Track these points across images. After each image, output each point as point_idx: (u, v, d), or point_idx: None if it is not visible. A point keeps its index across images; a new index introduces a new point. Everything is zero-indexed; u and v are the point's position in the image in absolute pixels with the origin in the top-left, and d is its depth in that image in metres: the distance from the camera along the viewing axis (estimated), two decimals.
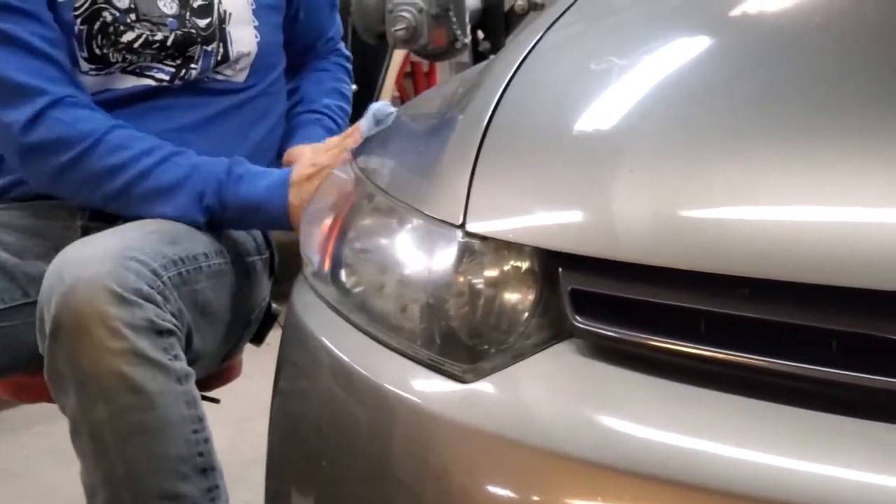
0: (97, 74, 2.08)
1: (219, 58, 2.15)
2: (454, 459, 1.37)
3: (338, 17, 2.57)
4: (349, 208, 1.68)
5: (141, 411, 1.76)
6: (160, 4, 2.11)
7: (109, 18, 2.07)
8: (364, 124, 2.07)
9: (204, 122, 2.14)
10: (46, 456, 3.44)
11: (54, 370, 1.77)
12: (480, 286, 1.46)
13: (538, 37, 1.78)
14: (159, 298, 1.77)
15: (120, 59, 2.09)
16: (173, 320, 1.78)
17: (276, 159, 2.30)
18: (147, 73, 2.10)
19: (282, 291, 1.93)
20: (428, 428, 1.41)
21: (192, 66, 2.12)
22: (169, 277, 1.82)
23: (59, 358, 1.75)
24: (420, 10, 3.94)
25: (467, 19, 4.04)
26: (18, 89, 1.98)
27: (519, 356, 1.40)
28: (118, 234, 1.88)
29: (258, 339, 2.25)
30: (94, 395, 1.75)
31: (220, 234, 2.04)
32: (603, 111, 1.57)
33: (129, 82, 2.10)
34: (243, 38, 2.18)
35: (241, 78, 2.21)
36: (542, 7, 4.10)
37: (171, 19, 2.11)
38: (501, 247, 1.45)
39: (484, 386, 1.39)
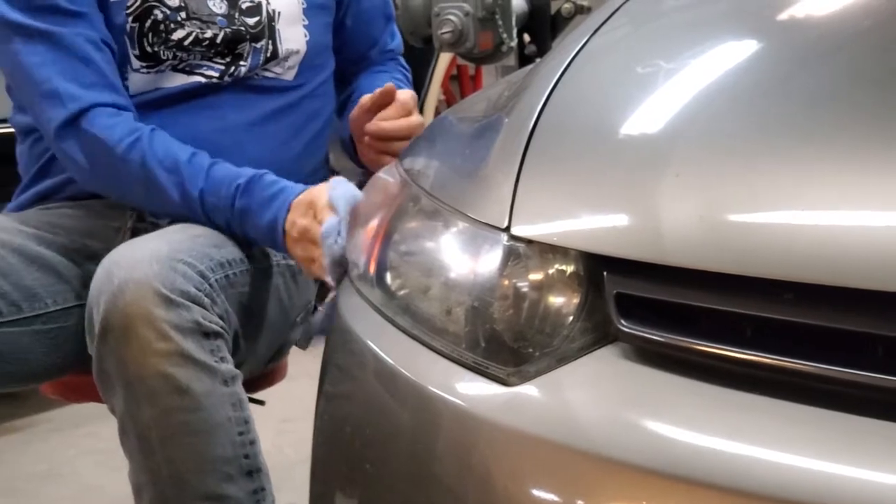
0: (148, 72, 2.10)
1: (268, 55, 2.17)
2: (498, 463, 1.37)
3: (396, 30, 2.55)
4: (394, 211, 1.68)
5: (186, 412, 1.76)
6: (210, 3, 2.13)
7: (160, 16, 2.09)
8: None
9: (255, 122, 2.15)
10: (92, 456, 3.46)
11: (102, 370, 1.78)
12: (525, 289, 1.45)
13: (584, 40, 1.78)
14: (206, 301, 1.78)
15: (170, 57, 2.11)
16: (220, 322, 1.79)
17: (325, 164, 2.31)
18: (197, 71, 2.12)
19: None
20: (472, 431, 1.41)
21: (242, 63, 2.14)
22: (216, 280, 1.83)
23: (107, 359, 1.76)
24: (466, 14, 3.94)
25: (513, 22, 4.04)
26: (55, 92, 2.01)
27: (563, 360, 1.40)
28: (165, 236, 1.89)
29: (304, 343, 2.25)
30: (141, 396, 1.76)
31: None
32: (649, 115, 1.57)
33: (179, 80, 2.12)
34: (293, 36, 2.20)
35: (289, 77, 2.22)
36: (588, 10, 4.10)
37: (220, 17, 2.13)
38: (546, 250, 1.44)
39: (528, 389, 1.39)
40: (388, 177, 1.78)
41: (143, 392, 1.75)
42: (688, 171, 1.41)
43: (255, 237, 1.97)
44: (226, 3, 2.15)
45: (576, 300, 1.43)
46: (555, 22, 4.25)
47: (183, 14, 2.12)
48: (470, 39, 3.99)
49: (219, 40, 2.13)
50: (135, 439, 1.79)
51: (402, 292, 1.60)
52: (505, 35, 3.99)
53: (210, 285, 1.81)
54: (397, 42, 2.53)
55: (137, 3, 2.09)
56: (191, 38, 2.11)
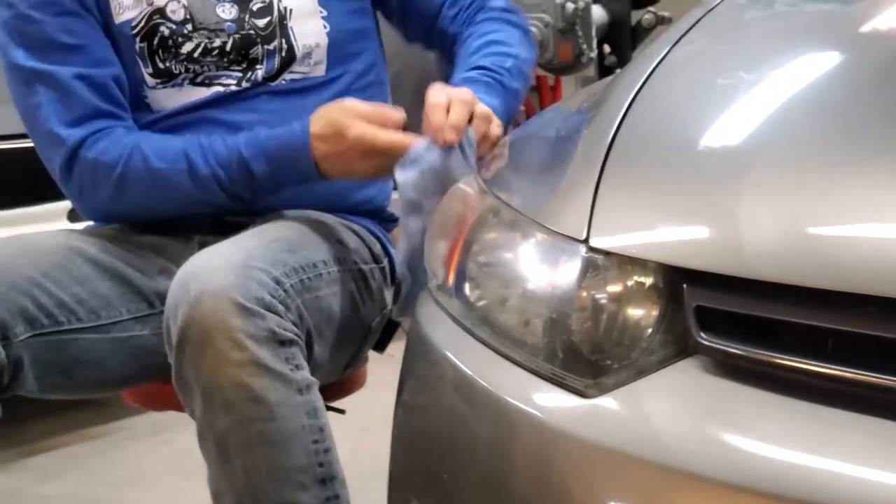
0: (164, 87, 2.11)
1: (283, 55, 2.15)
2: (575, 475, 1.37)
3: None
4: (474, 222, 1.68)
5: (261, 422, 1.77)
6: (218, 10, 2.13)
7: (167, 32, 2.10)
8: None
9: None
10: (171, 463, 3.49)
11: (181, 378, 1.80)
12: (603, 301, 1.45)
13: (665, 51, 1.77)
14: (281, 308, 1.79)
15: (183, 70, 2.12)
16: (295, 329, 1.80)
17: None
18: (216, 82, 2.12)
19: None
20: (549, 442, 1.40)
21: (258, 66, 2.14)
22: (291, 285, 1.84)
23: (185, 367, 1.78)
24: (546, 25, 3.94)
25: (594, 33, 4.04)
26: (51, 134, 2.07)
27: (642, 372, 1.39)
28: (239, 243, 1.90)
29: (380, 347, 2.25)
30: (217, 405, 1.77)
31: (337, 242, 2.05)
32: (729, 126, 1.56)
33: (200, 94, 2.13)
34: (309, 30, 2.16)
35: (320, 72, 2.18)
36: (669, 21, 4.08)
37: (228, 23, 2.13)
38: (625, 262, 1.44)
39: (606, 401, 1.39)
40: (467, 188, 1.78)
41: (219, 401, 1.76)
42: (769, 182, 1.40)
43: (291, 176, 2.02)
44: (236, 7, 2.14)
45: (655, 312, 1.42)
46: (635, 32, 4.24)
47: (189, 26, 2.12)
48: (550, 50, 3.99)
49: (228, 48, 2.13)
50: (213, 446, 1.81)
51: (480, 303, 1.60)
52: (585, 46, 3.99)
53: (285, 291, 1.81)
54: None
55: (142, 23, 2.10)
56: (200, 49, 2.11)
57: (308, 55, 2.16)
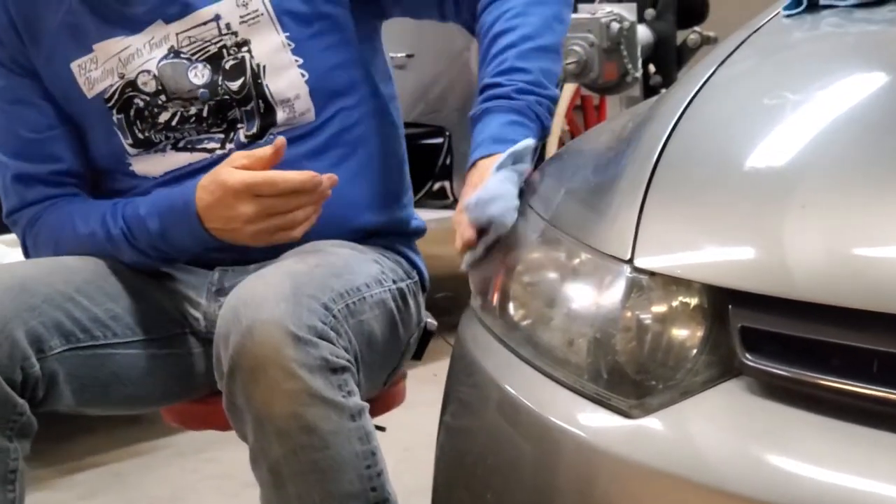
0: (147, 154, 2.09)
1: (262, 114, 2.08)
2: (619, 495, 1.36)
3: None
4: (518, 242, 1.68)
5: (314, 451, 1.77)
6: (190, 76, 2.07)
7: (142, 104, 2.07)
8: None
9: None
10: (214, 481, 3.50)
11: (233, 405, 1.80)
12: (648, 321, 1.45)
13: (711, 71, 1.77)
14: (332, 334, 1.78)
15: (163, 138, 2.09)
16: (346, 356, 1.79)
17: (401, 185, 2.25)
18: (199, 147, 2.09)
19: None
20: (593, 463, 1.40)
21: (239, 125, 2.07)
22: (339, 310, 1.83)
23: (237, 396, 1.78)
24: (591, 44, 3.94)
25: (639, 53, 4.03)
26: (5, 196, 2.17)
27: (687, 393, 1.39)
28: (284, 268, 1.89)
29: (417, 357, 2.25)
30: (270, 434, 1.77)
31: (374, 262, 2.05)
32: (775, 147, 1.55)
33: (184, 159, 2.10)
34: (285, 85, 2.07)
35: (308, 118, 2.09)
36: (714, 41, 4.07)
37: (202, 90, 2.07)
38: (670, 282, 1.44)
39: (651, 422, 1.38)
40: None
41: (272, 430, 1.76)
42: (815, 203, 1.40)
43: (179, 231, 1.99)
44: (208, 69, 2.06)
45: (700, 333, 1.42)
46: (680, 52, 4.23)
47: (163, 97, 2.06)
48: (594, 70, 3.98)
49: (205, 114, 2.08)
50: (266, 473, 1.81)
51: (524, 322, 1.60)
52: (630, 66, 3.99)
53: (334, 316, 1.81)
54: None
55: (116, 96, 2.08)
56: (177, 118, 2.08)
57: (290, 108, 2.09)
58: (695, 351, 1.41)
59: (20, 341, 1.86)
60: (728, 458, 1.30)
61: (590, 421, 1.43)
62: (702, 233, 1.47)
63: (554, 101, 1.98)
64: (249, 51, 2.06)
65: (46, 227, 2.12)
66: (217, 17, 2.05)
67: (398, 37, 4.40)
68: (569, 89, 4.73)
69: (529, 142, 1.86)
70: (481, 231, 1.74)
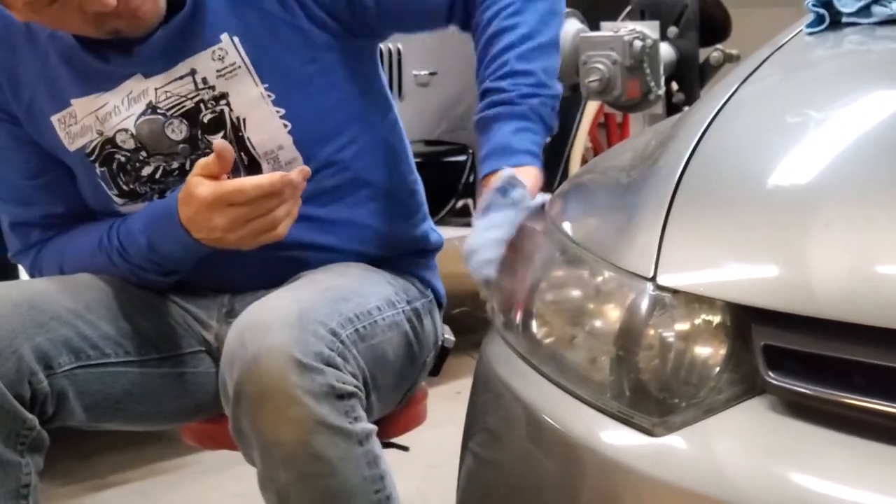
0: (134, 203, 2.07)
1: (246, 164, 2.03)
2: None
3: None
4: (541, 260, 1.68)
5: (322, 478, 1.77)
6: (167, 132, 2.02)
7: (123, 159, 2.05)
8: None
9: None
10: (240, 499, 3.50)
11: (239, 430, 1.80)
12: (671, 339, 1.45)
13: (733, 89, 1.77)
14: (339, 360, 1.77)
15: (148, 190, 2.06)
16: (354, 381, 1.79)
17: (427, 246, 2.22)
18: None
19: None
20: (617, 481, 1.40)
21: (225, 177, 1.95)
22: (347, 335, 1.82)
23: (243, 421, 1.78)
24: (614, 62, 3.94)
25: (661, 71, 4.03)
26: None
27: (710, 411, 1.39)
28: (293, 293, 1.89)
29: (434, 373, 2.24)
30: (277, 461, 1.77)
31: (387, 284, 2.04)
32: (798, 164, 1.55)
33: None
34: (267, 137, 2.01)
35: (296, 167, 1.97)
36: (737, 59, 4.07)
37: (182, 145, 2.02)
38: (692, 300, 1.44)
39: (674, 440, 1.38)
40: (534, 225, 1.79)
41: (278, 457, 1.76)
42: (838, 221, 1.40)
43: (170, 243, 1.97)
44: (185, 124, 2.01)
45: (722, 351, 1.42)
46: (703, 70, 4.23)
47: (143, 153, 2.03)
48: (617, 87, 3.98)
49: (188, 167, 2.00)
50: (274, 498, 1.81)
51: (547, 340, 1.60)
52: (653, 83, 3.98)
53: (342, 342, 1.80)
54: None
55: (96, 151, 2.05)
56: (160, 172, 2.05)
57: (274, 160, 2.03)
58: (717, 369, 1.41)
59: (26, 357, 1.87)
60: (751, 476, 1.30)
61: (613, 439, 1.43)
62: (725, 250, 1.47)
63: (556, 97, 1.99)
64: (228, 104, 2.01)
65: (49, 258, 2.13)
66: (193, 72, 2.00)
67: (421, 54, 4.41)
68: (592, 107, 4.74)
69: (509, 171, 1.88)
70: None
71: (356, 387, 1.79)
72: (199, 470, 3.74)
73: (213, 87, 2.00)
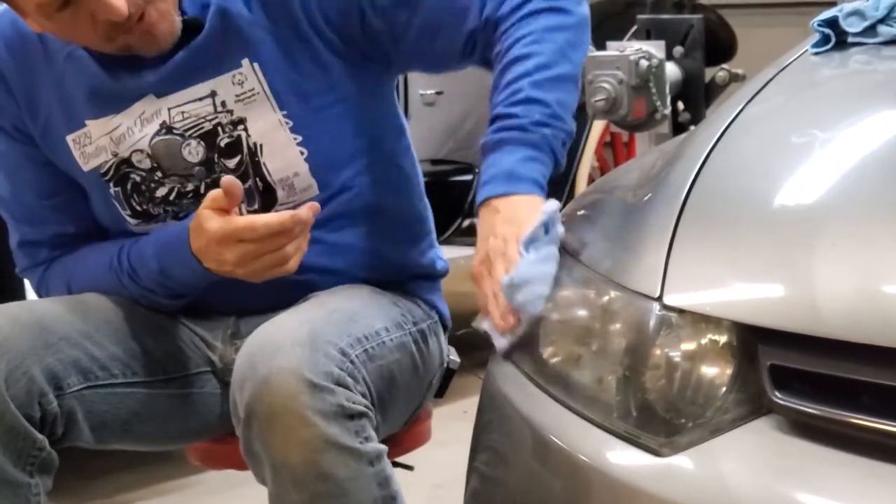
0: (147, 224, 2.06)
1: (261, 189, 2.01)
2: None
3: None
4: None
5: (332, 498, 1.76)
6: (184, 154, 2.01)
7: (138, 179, 2.03)
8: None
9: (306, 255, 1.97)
10: None
11: (250, 451, 1.80)
12: (677, 359, 1.45)
13: (739, 109, 1.77)
14: (349, 380, 1.77)
15: (162, 212, 2.05)
16: (364, 401, 1.78)
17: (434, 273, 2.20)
18: None
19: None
20: (623, 501, 1.40)
21: (241, 203, 1.95)
22: (356, 356, 1.82)
23: (254, 442, 1.77)
24: (620, 82, 3.94)
25: (667, 90, 4.03)
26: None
27: (716, 431, 1.39)
28: (301, 314, 1.88)
29: (439, 395, 2.23)
30: (287, 481, 1.76)
31: (393, 305, 2.04)
32: (804, 184, 1.56)
33: None
34: (283, 164, 1.99)
35: (311, 193, 2.00)
36: (742, 78, 4.07)
37: (198, 167, 2.01)
38: (699, 320, 1.44)
39: (681, 460, 1.38)
40: None
41: (289, 478, 1.76)
42: (844, 240, 1.40)
43: (182, 270, 1.97)
44: (202, 146, 1.99)
45: (729, 371, 1.42)
46: (709, 90, 4.23)
47: (159, 173, 2.01)
48: (624, 107, 3.98)
49: (202, 190, 1.99)
50: None
51: (554, 360, 1.60)
52: (659, 103, 3.99)
53: (351, 362, 1.79)
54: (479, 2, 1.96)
55: (112, 171, 2.04)
56: (174, 193, 2.03)
57: (289, 187, 2.01)
58: (724, 389, 1.41)
59: (37, 378, 1.87)
60: (757, 496, 1.30)
61: (619, 459, 1.43)
62: (731, 270, 1.47)
63: (570, 134, 1.89)
64: (245, 129, 1.99)
65: (56, 277, 2.12)
66: (213, 94, 1.99)
67: (428, 74, 4.41)
68: (598, 126, 4.74)
69: (555, 204, 1.77)
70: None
71: (366, 406, 1.79)
72: (204, 490, 3.74)
73: (231, 112, 1.99)
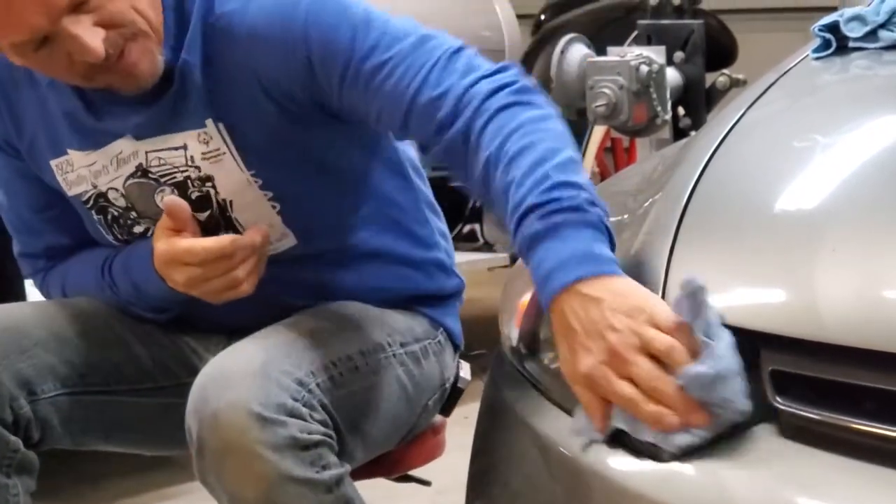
0: None
1: None
2: None
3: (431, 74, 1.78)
4: None
5: None
6: (157, 199, 1.96)
7: (116, 213, 2.02)
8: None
9: (288, 290, 1.97)
10: None
11: (205, 481, 1.79)
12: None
13: (740, 114, 1.77)
14: (304, 410, 1.74)
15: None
16: (321, 430, 1.75)
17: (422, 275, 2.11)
18: None
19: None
20: None
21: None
22: (317, 384, 1.79)
23: (208, 473, 1.76)
24: (621, 87, 3.95)
25: (668, 95, 4.04)
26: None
27: (718, 436, 1.38)
28: (263, 341, 1.84)
29: (445, 412, 2.21)
30: None
31: (382, 325, 2.00)
32: (805, 189, 1.56)
33: None
34: (254, 218, 1.92)
35: (289, 242, 1.96)
36: (743, 84, 4.07)
37: None
38: None
39: (681, 466, 1.38)
40: None
41: None
42: (844, 245, 1.40)
43: (151, 287, 1.95)
44: (175, 194, 1.93)
45: None
46: (710, 95, 4.24)
47: (133, 213, 1.99)
48: (624, 112, 3.99)
49: None
50: None
51: (554, 365, 1.60)
52: (659, 108, 4.00)
53: (309, 391, 1.76)
54: (449, 83, 1.77)
55: (91, 200, 2.02)
56: (150, 232, 1.99)
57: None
58: None
59: (6, 383, 1.86)
60: (759, 501, 1.30)
61: (621, 464, 1.43)
62: (732, 276, 1.47)
63: (607, 216, 1.61)
64: (213, 186, 1.93)
65: (53, 283, 2.13)
66: (185, 147, 1.92)
67: None
68: (599, 131, 4.74)
69: (701, 279, 1.45)
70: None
71: (325, 434, 1.76)
72: (205, 495, 3.74)
73: (198, 168, 1.93)
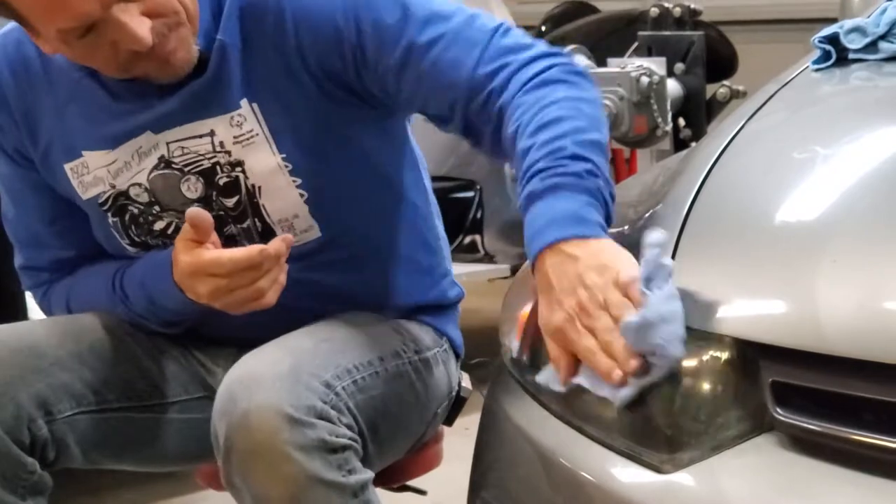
0: (147, 253, 2.04)
1: (259, 230, 1.97)
2: None
3: (489, 41, 1.84)
4: None
5: None
6: (183, 188, 1.96)
7: (136, 211, 2.01)
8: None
9: (302, 294, 1.95)
10: None
11: (231, 483, 1.79)
12: (679, 376, 1.45)
13: (740, 125, 1.77)
14: (333, 413, 1.75)
15: (160, 244, 2.02)
16: (348, 434, 1.76)
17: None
18: None
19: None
20: None
21: (238, 240, 1.95)
22: (343, 388, 1.79)
23: (234, 476, 1.76)
24: (621, 98, 3.95)
25: (668, 107, 4.04)
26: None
27: (718, 448, 1.38)
28: (289, 343, 1.85)
29: (448, 422, 2.21)
30: None
31: (394, 333, 2.01)
32: (805, 200, 1.56)
33: None
34: (282, 205, 1.94)
35: (312, 235, 1.96)
36: (744, 95, 4.08)
37: (196, 204, 1.94)
38: (701, 336, 1.44)
39: (682, 477, 1.38)
40: None
41: None
42: (845, 257, 1.40)
43: (167, 300, 1.95)
44: (201, 182, 1.95)
45: (730, 388, 1.41)
46: (710, 106, 4.24)
47: (157, 207, 1.98)
48: (625, 123, 3.99)
49: None
50: None
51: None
52: (660, 119, 4.00)
53: (336, 394, 1.77)
54: (488, 55, 1.83)
55: (109, 201, 2.01)
56: (172, 228, 1.98)
57: (289, 228, 1.96)
58: (725, 405, 1.41)
59: (25, 404, 1.85)
60: None
61: (621, 476, 1.43)
62: (732, 287, 1.47)
63: (614, 200, 1.68)
64: (244, 171, 1.94)
65: (56, 298, 2.12)
66: (212, 133, 1.94)
67: None
68: None
69: (663, 235, 1.53)
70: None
71: (351, 439, 1.76)
72: None
73: (229, 153, 1.94)
